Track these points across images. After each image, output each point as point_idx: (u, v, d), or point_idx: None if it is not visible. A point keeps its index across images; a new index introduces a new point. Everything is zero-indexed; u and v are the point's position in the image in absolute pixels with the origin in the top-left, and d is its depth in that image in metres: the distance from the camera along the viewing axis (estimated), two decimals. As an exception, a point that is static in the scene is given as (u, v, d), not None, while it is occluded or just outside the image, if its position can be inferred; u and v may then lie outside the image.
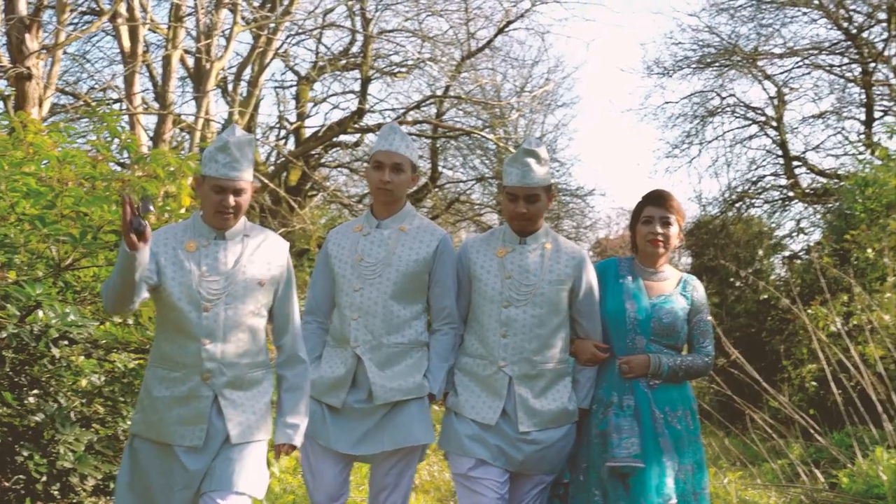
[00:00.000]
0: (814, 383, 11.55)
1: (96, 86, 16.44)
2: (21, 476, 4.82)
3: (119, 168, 7.79)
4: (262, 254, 4.09)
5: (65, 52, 13.41)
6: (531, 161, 4.59)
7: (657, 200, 4.77)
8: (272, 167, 18.56)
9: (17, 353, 4.96)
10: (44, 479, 4.80)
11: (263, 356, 4.10)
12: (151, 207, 3.64)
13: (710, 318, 4.85)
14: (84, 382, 5.27)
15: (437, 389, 4.60)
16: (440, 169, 20.45)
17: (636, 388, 4.61)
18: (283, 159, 17.62)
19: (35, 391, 5.02)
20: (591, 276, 4.71)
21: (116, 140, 6.54)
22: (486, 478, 4.51)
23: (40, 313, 4.79)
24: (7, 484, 4.83)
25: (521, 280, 4.60)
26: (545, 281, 4.60)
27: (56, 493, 4.98)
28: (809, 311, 10.14)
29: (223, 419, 3.94)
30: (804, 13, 18.71)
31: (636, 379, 4.62)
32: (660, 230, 4.70)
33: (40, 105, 10.54)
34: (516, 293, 4.59)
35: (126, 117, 12.62)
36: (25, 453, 4.73)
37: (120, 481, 4.01)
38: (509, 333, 4.57)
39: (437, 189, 20.49)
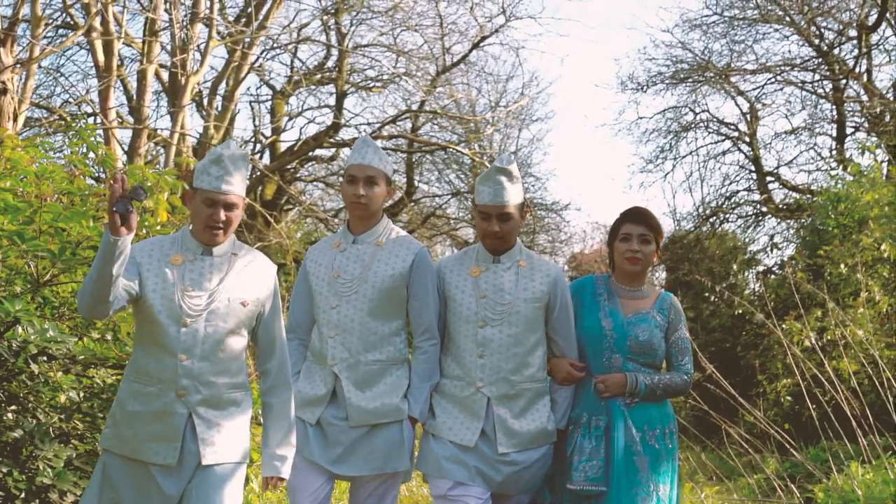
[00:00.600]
0: (789, 398, 11.63)
1: (70, 100, 16.40)
2: (0, 492, 4.79)
3: (94, 182, 7.78)
4: (248, 274, 4.02)
5: (39, 66, 13.36)
6: (503, 179, 4.53)
7: (636, 217, 4.72)
8: (247, 181, 18.52)
9: (-5, 369, 4.94)
10: (23, 495, 4.76)
11: (243, 377, 4.02)
12: (143, 196, 3.54)
13: (688, 335, 4.80)
14: (63, 398, 5.24)
15: (417, 412, 4.52)
16: (416, 183, 20.50)
17: (612, 407, 4.54)
18: (259, 173, 17.61)
19: (13, 407, 4.99)
20: (566, 293, 4.66)
21: (92, 154, 6.54)
22: (467, 494, 4.46)
23: (19, 329, 4.77)
24: (-13, 501, 4.80)
25: (495, 299, 4.55)
26: (520, 299, 4.54)
27: (35, 510, 4.96)
28: (784, 326, 10.22)
29: (197, 439, 3.86)
30: (776, 30, 18.93)
31: (612, 398, 4.55)
32: (638, 248, 4.66)
33: (15, 119, 10.49)
34: (491, 312, 4.53)
35: (100, 132, 12.58)
36: (4, 469, 4.69)
37: (88, 496, 3.89)
38: (486, 353, 4.51)
39: (412, 203, 20.55)
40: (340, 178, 18.78)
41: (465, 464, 4.46)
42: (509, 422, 4.49)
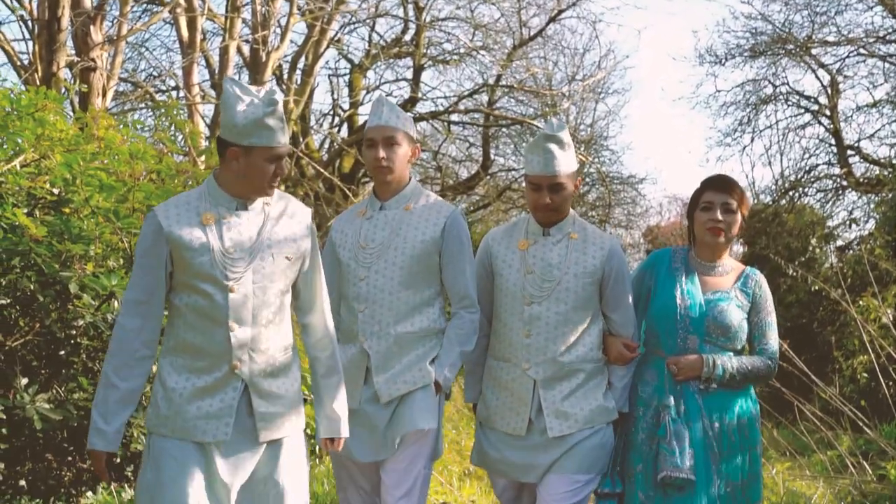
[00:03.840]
0: (865, 374, 11.56)
1: (155, 74, 16.77)
2: (98, 458, 5.04)
3: (181, 157, 8.03)
4: (285, 224, 3.65)
5: (126, 42, 13.69)
6: (553, 147, 4.21)
7: (719, 185, 4.32)
8: (326, 155, 18.79)
9: (91, 340, 5.17)
10: (118, 460, 5.00)
11: (290, 338, 3.71)
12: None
13: (773, 316, 4.38)
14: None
15: (442, 376, 4.17)
16: (492, 157, 20.58)
17: (685, 393, 4.19)
18: (337, 147, 17.85)
19: (108, 377, 5.21)
20: (621, 266, 4.31)
21: (178, 131, 6.79)
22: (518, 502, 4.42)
23: (115, 303, 4.98)
24: (84, 465, 5.05)
25: (543, 275, 4.25)
26: (570, 274, 4.22)
27: (130, 474, 5.19)
28: (861, 302, 10.16)
29: (253, 413, 3.56)
30: (859, 1, 18.58)
31: (686, 382, 4.19)
32: (721, 217, 4.24)
33: (104, 95, 10.79)
34: (538, 289, 4.23)
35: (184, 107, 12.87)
36: (101, 436, 4.95)
37: (144, 483, 3.55)
38: (532, 332, 4.22)
39: (488, 177, 20.62)
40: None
41: (513, 462, 4.27)
42: (559, 404, 4.20)
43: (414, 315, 4.22)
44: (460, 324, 4.25)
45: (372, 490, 4.35)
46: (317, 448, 6.73)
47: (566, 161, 4.25)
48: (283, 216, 3.67)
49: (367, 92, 19.75)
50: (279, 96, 3.55)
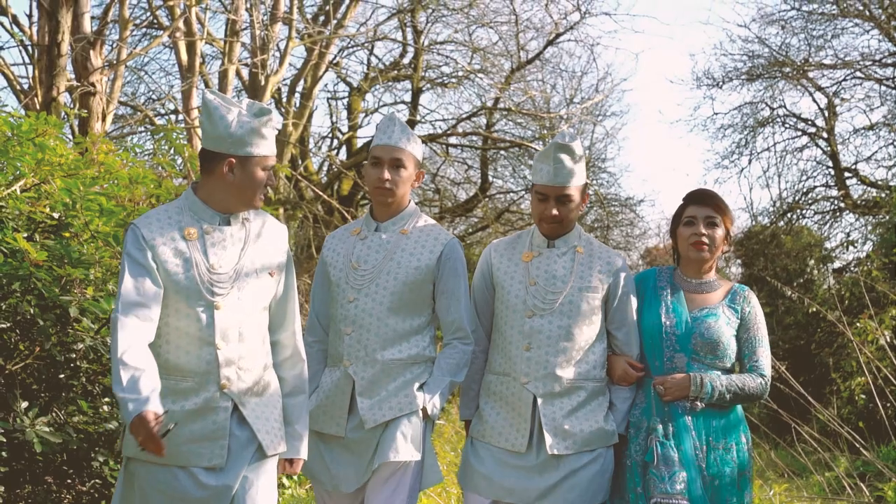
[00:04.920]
0: (863, 396, 11.57)
1: (154, 97, 16.83)
2: (97, 480, 5.04)
3: (181, 181, 8.07)
4: (266, 239, 3.63)
5: (125, 66, 13.75)
6: (564, 157, 4.06)
7: (701, 199, 4.24)
8: (325, 177, 18.84)
9: (91, 363, 5.19)
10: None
11: (270, 355, 3.68)
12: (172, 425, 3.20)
13: (764, 333, 4.27)
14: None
15: (430, 404, 4.05)
16: (490, 179, 20.62)
17: (673, 413, 4.09)
18: (336, 169, 17.90)
19: (107, 399, 5.23)
20: (627, 284, 4.21)
21: (177, 155, 6.82)
22: None
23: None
24: (84, 488, 5.06)
25: (546, 287, 4.12)
26: (574, 288, 4.10)
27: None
28: (858, 324, 10.18)
29: (247, 430, 3.50)
30: (855, 24, 18.68)
31: (674, 402, 4.11)
32: (704, 231, 4.16)
33: (103, 119, 10.83)
34: (541, 301, 4.10)
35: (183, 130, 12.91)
36: (101, 458, 4.95)
37: None
38: (533, 346, 4.08)
39: (487, 199, 20.66)
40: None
41: (502, 484, 4.08)
42: (559, 421, 4.06)
43: (401, 342, 4.08)
44: (452, 353, 4.13)
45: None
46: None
47: (576, 173, 4.12)
48: (263, 232, 3.63)
49: (366, 115, 19.82)
50: (269, 105, 3.52)
